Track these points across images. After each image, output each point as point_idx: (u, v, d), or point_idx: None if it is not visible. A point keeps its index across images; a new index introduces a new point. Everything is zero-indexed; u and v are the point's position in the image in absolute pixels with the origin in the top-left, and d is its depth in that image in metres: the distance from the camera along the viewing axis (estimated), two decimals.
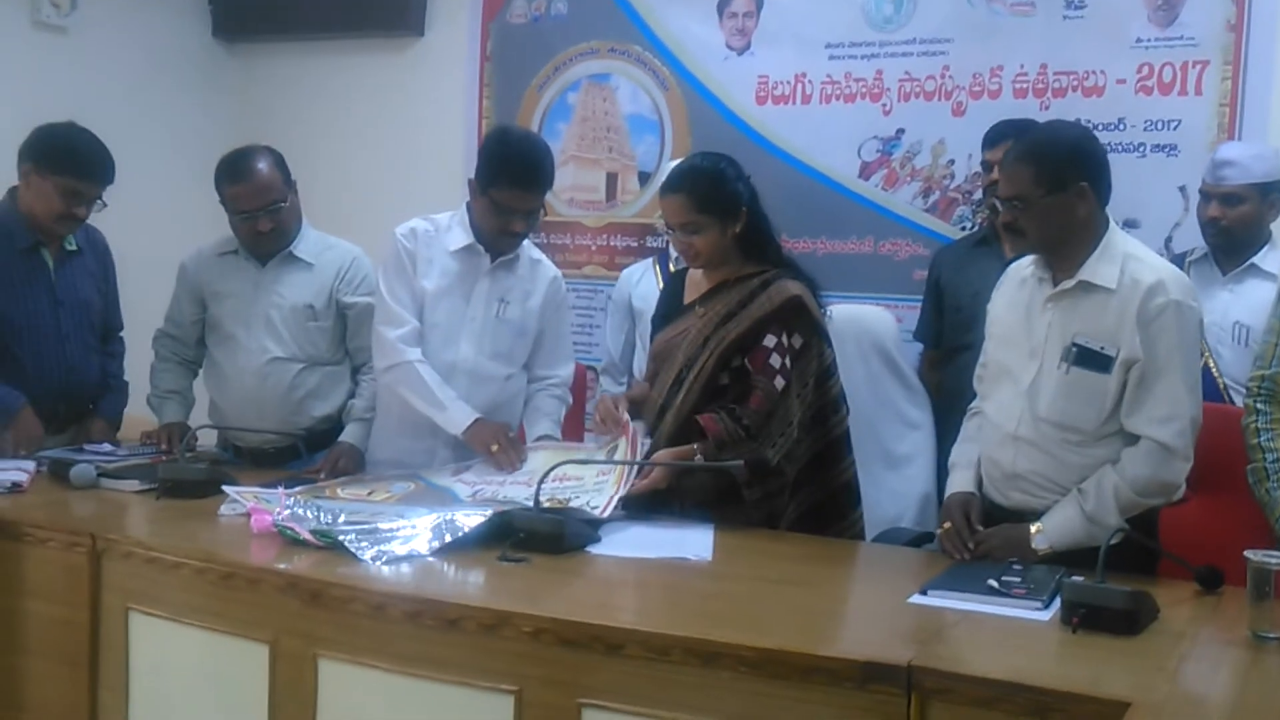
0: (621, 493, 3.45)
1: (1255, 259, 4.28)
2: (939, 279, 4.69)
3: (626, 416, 3.68)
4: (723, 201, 3.59)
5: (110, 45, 6.06)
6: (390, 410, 4.04)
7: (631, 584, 3.03)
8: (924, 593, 2.81)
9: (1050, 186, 3.10)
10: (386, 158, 6.29)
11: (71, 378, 4.20)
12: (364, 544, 3.03)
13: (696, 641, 2.49)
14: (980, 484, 3.34)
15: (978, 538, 3.16)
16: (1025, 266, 3.34)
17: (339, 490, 3.65)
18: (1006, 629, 2.62)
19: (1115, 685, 2.25)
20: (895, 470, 4.34)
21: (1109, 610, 2.56)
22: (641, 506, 3.51)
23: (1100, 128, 4.78)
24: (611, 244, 5.88)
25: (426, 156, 6.09)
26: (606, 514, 3.37)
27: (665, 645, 2.51)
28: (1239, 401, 3.70)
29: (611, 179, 5.89)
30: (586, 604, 2.83)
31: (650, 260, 5.09)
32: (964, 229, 5.07)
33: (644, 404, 3.75)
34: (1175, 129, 4.84)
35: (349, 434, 4.16)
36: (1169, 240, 4.79)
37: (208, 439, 4.30)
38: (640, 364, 4.65)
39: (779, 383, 3.49)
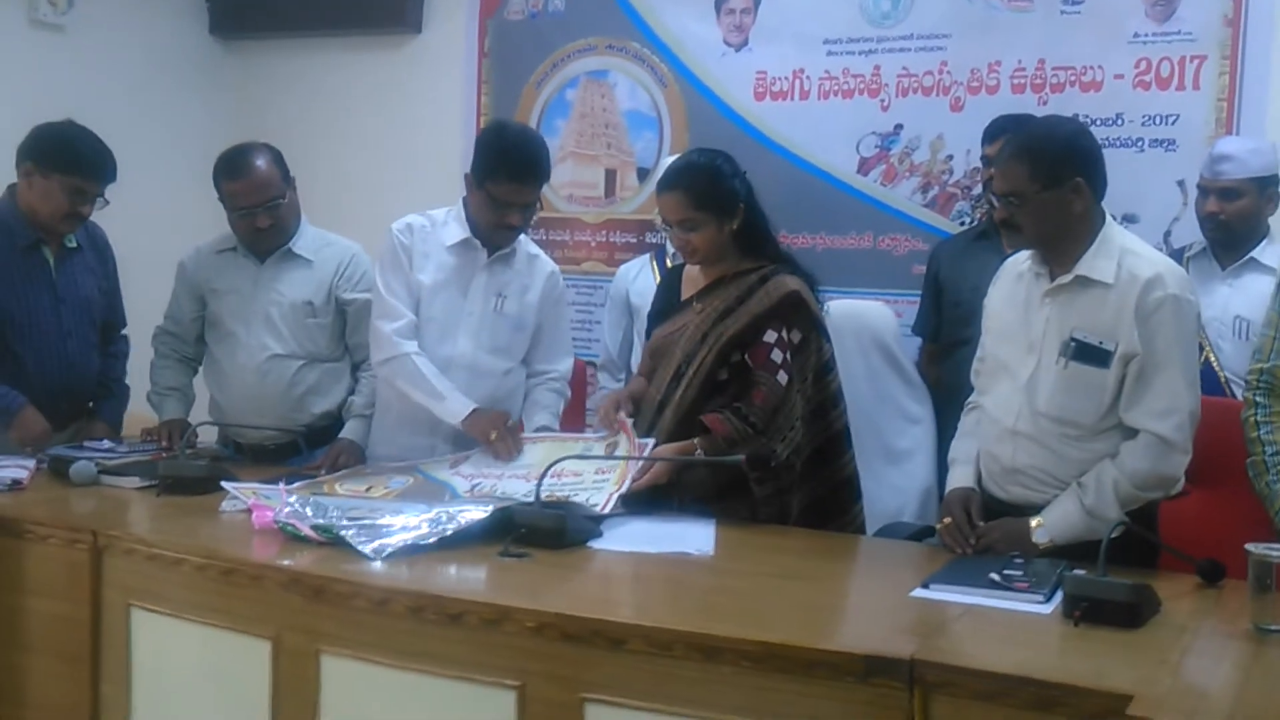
0: (622, 491, 3.45)
1: (1254, 253, 4.29)
2: (938, 273, 4.69)
3: (623, 416, 3.68)
4: (720, 198, 3.59)
5: (108, 43, 6.05)
6: (390, 406, 4.05)
7: (633, 579, 3.04)
8: (926, 586, 2.81)
9: (1045, 182, 3.10)
10: (385, 155, 6.28)
11: (72, 374, 4.19)
12: (364, 538, 3.03)
13: (699, 636, 2.50)
14: (980, 479, 3.35)
15: (978, 532, 3.17)
16: (1021, 261, 3.34)
17: (336, 486, 3.66)
18: (1008, 622, 2.62)
19: (1117, 678, 2.25)
20: (896, 465, 4.34)
21: (1111, 603, 2.57)
22: (641, 502, 3.51)
23: (1098, 123, 4.78)
24: (610, 240, 5.88)
25: (425, 153, 6.08)
26: (606, 510, 3.38)
27: (667, 640, 2.51)
28: (1240, 396, 3.70)
29: (610, 175, 5.89)
30: (588, 599, 2.83)
31: (647, 256, 5.09)
32: (963, 224, 5.08)
33: (641, 399, 3.76)
34: (1173, 124, 4.84)
35: (349, 430, 4.17)
36: (1168, 234, 4.79)
37: (208, 436, 4.31)
38: (637, 359, 4.65)
39: (782, 378, 3.50)
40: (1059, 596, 2.68)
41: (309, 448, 4.09)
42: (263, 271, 4.23)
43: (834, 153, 5.41)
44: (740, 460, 3.35)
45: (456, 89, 6.21)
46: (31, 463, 3.80)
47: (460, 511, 3.19)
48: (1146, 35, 4.87)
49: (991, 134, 4.54)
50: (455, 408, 3.84)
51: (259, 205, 4.10)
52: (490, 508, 3.22)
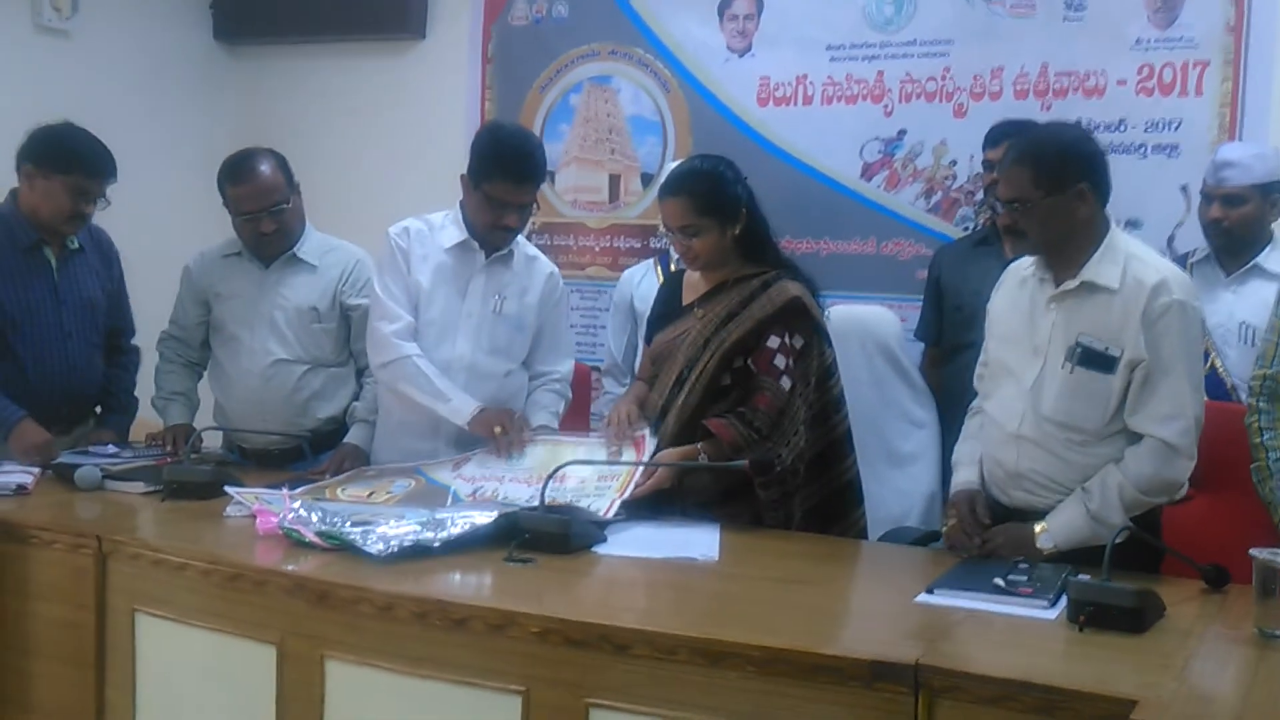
0: (625, 497, 3.46)
1: (1258, 259, 4.27)
2: (939, 278, 4.70)
3: (643, 433, 3.68)
4: (722, 203, 3.60)
5: (112, 49, 6.06)
6: (391, 411, 4.05)
7: (638, 584, 3.04)
8: (930, 591, 2.82)
9: (1049, 188, 3.11)
10: (389, 160, 6.29)
11: (74, 376, 4.19)
12: (369, 538, 3.04)
13: (703, 641, 2.50)
14: (983, 482, 3.35)
15: (983, 537, 3.17)
16: (1025, 266, 3.34)
17: (339, 492, 3.66)
18: (1013, 627, 2.62)
19: (1122, 683, 2.26)
20: (900, 469, 4.34)
21: (1115, 608, 2.57)
22: (645, 507, 3.51)
23: (1101, 128, 4.79)
24: (614, 245, 5.89)
25: (429, 158, 6.08)
26: (609, 515, 3.38)
27: (672, 645, 2.52)
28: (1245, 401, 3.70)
29: (614, 180, 5.90)
30: (593, 604, 2.85)
31: (651, 261, 5.09)
32: (966, 229, 5.08)
33: (644, 404, 3.76)
34: (1176, 129, 4.84)
35: (353, 435, 4.17)
36: (1171, 240, 4.79)
37: (213, 440, 4.30)
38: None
39: (785, 383, 3.51)
40: (1063, 601, 2.69)
41: (313, 452, 4.10)
42: (267, 276, 4.24)
43: (837, 158, 5.41)
44: (743, 465, 3.35)
45: (460, 94, 6.21)
46: (36, 468, 3.80)
47: (464, 516, 3.19)
48: (1149, 41, 4.88)
49: (992, 139, 4.54)
50: (461, 407, 3.83)
51: (263, 210, 4.10)
52: (494, 513, 3.22)
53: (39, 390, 4.08)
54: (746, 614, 2.70)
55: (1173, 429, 3.03)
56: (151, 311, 4.51)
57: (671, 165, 4.32)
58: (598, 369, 5.28)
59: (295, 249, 4.24)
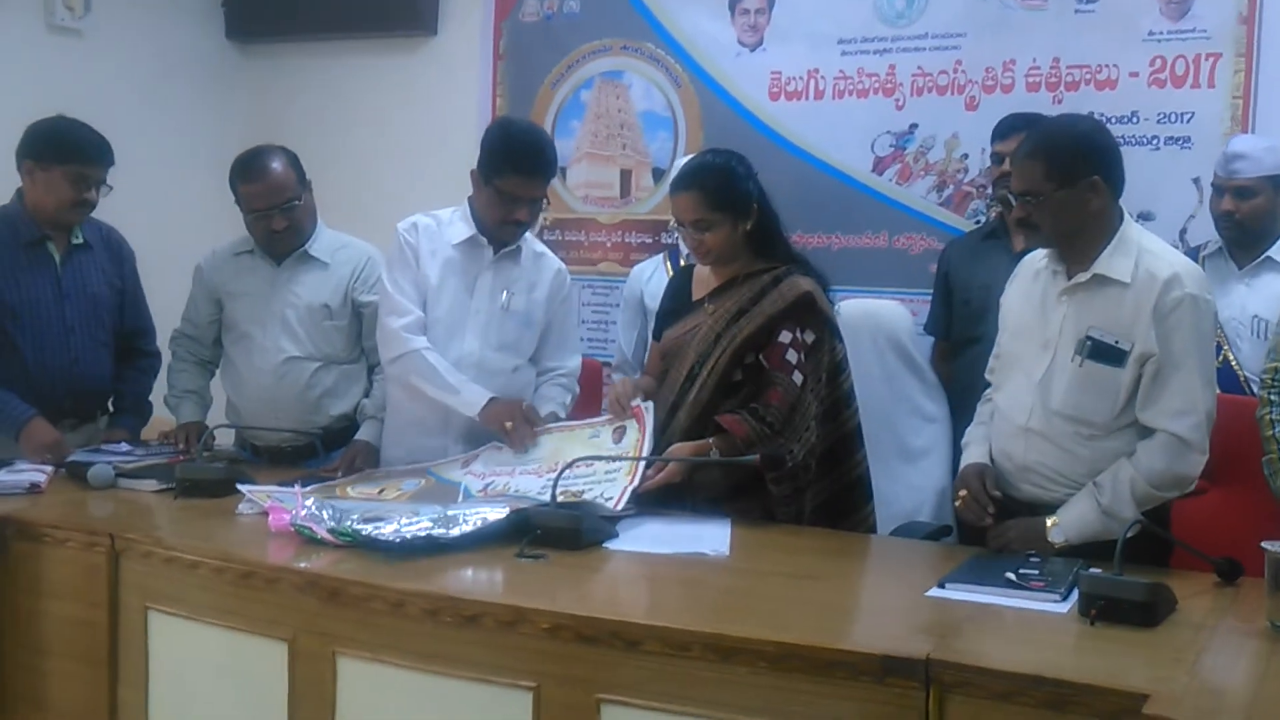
0: (634, 485, 3.46)
1: (1271, 252, 4.27)
2: (948, 272, 4.70)
3: (637, 401, 3.69)
4: (735, 198, 3.60)
5: (124, 47, 6.08)
6: (400, 408, 4.06)
7: (649, 580, 3.03)
8: (942, 586, 2.81)
9: (1062, 180, 3.10)
10: (401, 157, 6.29)
11: (76, 369, 4.19)
12: (382, 530, 3.06)
13: (715, 637, 2.50)
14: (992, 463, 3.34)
15: (994, 532, 3.17)
16: (1039, 259, 3.34)
17: (349, 490, 3.67)
18: (1024, 622, 2.62)
19: (1134, 677, 2.25)
20: (912, 464, 4.34)
21: (1127, 602, 2.56)
22: (654, 502, 3.51)
23: (1113, 121, 4.76)
24: (626, 240, 5.89)
25: (440, 155, 6.08)
26: (620, 505, 3.39)
27: (683, 641, 2.51)
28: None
29: (625, 176, 5.90)
30: (604, 600, 2.86)
31: (661, 256, 5.09)
32: (978, 223, 5.07)
33: (652, 396, 3.76)
34: (1188, 121, 4.83)
35: (365, 432, 4.18)
36: (1183, 232, 4.78)
37: (225, 438, 4.31)
38: None
39: (797, 378, 3.50)
40: (1075, 595, 2.68)
41: (325, 450, 4.10)
42: (279, 274, 4.25)
43: (849, 152, 5.41)
44: (755, 460, 3.35)
45: (472, 91, 6.21)
46: (49, 466, 3.81)
47: (476, 513, 3.19)
48: (1161, 33, 4.86)
49: (1000, 132, 4.54)
50: (471, 399, 3.83)
51: (275, 207, 4.11)
52: (506, 510, 3.22)
53: (40, 383, 4.09)
54: (758, 609, 2.70)
55: (1185, 424, 3.02)
56: (164, 310, 4.52)
57: (683, 160, 4.33)
58: (609, 365, 5.28)
59: (307, 246, 4.25)
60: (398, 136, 6.36)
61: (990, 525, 3.19)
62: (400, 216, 4.04)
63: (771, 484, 3.48)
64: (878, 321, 4.43)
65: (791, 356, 3.53)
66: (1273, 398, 3.39)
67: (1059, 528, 3.08)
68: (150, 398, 4.50)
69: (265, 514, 3.28)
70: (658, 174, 5.80)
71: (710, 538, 3.23)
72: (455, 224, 3.98)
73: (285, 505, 3.25)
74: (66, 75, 5.67)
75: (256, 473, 3.83)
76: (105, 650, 3.24)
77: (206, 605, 3.08)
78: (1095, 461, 3.12)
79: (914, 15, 5.28)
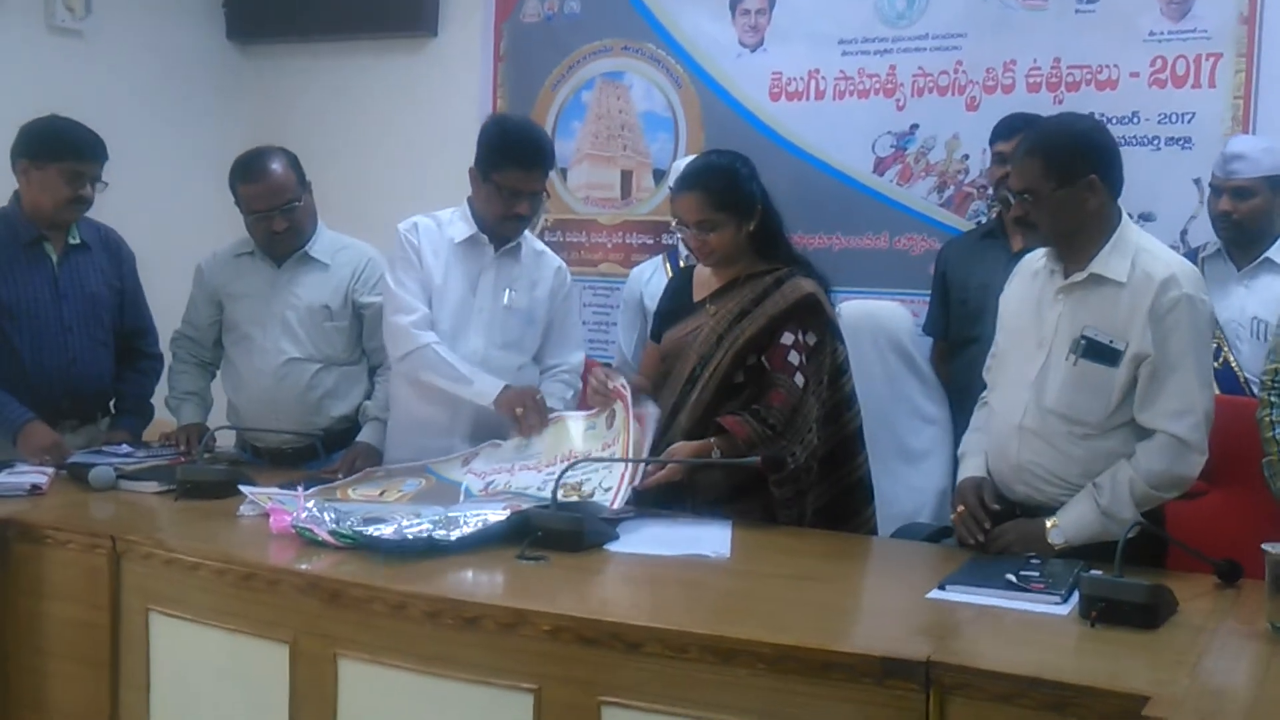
0: (634, 480, 3.45)
1: (1269, 253, 4.27)
2: (945, 272, 4.71)
3: (618, 383, 3.69)
4: (739, 199, 3.60)
5: (125, 49, 6.08)
6: (405, 409, 4.06)
7: (650, 581, 3.03)
8: (942, 588, 2.81)
9: (1060, 179, 3.10)
10: (401, 158, 6.29)
11: (74, 369, 4.19)
12: (382, 530, 3.06)
13: (715, 639, 2.50)
14: (988, 474, 3.34)
15: (994, 533, 3.16)
16: (1038, 259, 3.34)
17: (350, 491, 3.67)
18: (1025, 623, 2.62)
19: (1134, 679, 2.26)
20: (912, 465, 4.34)
21: (1128, 604, 2.56)
22: (655, 503, 3.52)
23: (1114, 121, 4.76)
24: (627, 241, 5.89)
25: (441, 156, 6.05)
26: (618, 504, 3.39)
27: (684, 642, 2.52)
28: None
29: (626, 176, 5.90)
30: (605, 602, 2.86)
31: (660, 258, 5.09)
32: (979, 223, 5.07)
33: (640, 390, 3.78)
34: (1189, 122, 4.83)
35: (366, 434, 4.18)
36: (1184, 233, 4.78)
37: (226, 440, 4.31)
38: None
39: (799, 380, 3.50)
40: (1075, 597, 2.68)
41: (326, 451, 4.10)
42: (280, 275, 4.25)
43: (849, 153, 5.41)
44: (756, 462, 3.35)
45: (473, 92, 6.22)
46: (51, 468, 3.82)
47: (476, 514, 3.20)
48: (1162, 33, 4.86)
49: (1000, 132, 4.55)
50: (485, 388, 3.84)
51: (275, 208, 4.11)
52: (506, 511, 3.22)
53: (37, 382, 4.10)
54: (758, 611, 2.70)
55: (1184, 424, 3.02)
56: (165, 311, 4.52)
57: (682, 161, 4.33)
58: (609, 366, 5.28)
59: (307, 248, 4.25)
60: (398, 137, 6.36)
61: (984, 540, 3.19)
62: (401, 218, 4.05)
63: (773, 486, 3.48)
64: (878, 322, 4.43)
65: (794, 358, 3.53)
66: (1273, 399, 3.39)
67: (1058, 529, 3.08)
68: (151, 399, 4.50)
69: (266, 516, 3.28)
70: (658, 175, 5.80)
71: (711, 539, 3.23)
72: (455, 223, 4.00)
73: (286, 507, 3.25)
74: (67, 76, 5.67)
75: (257, 474, 3.84)
76: (106, 652, 3.24)
77: (207, 607, 3.08)
78: (1089, 462, 3.12)
79: (915, 15, 5.28)
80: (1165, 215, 4.78)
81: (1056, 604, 2.70)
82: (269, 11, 6.61)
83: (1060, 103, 4.96)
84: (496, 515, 3.19)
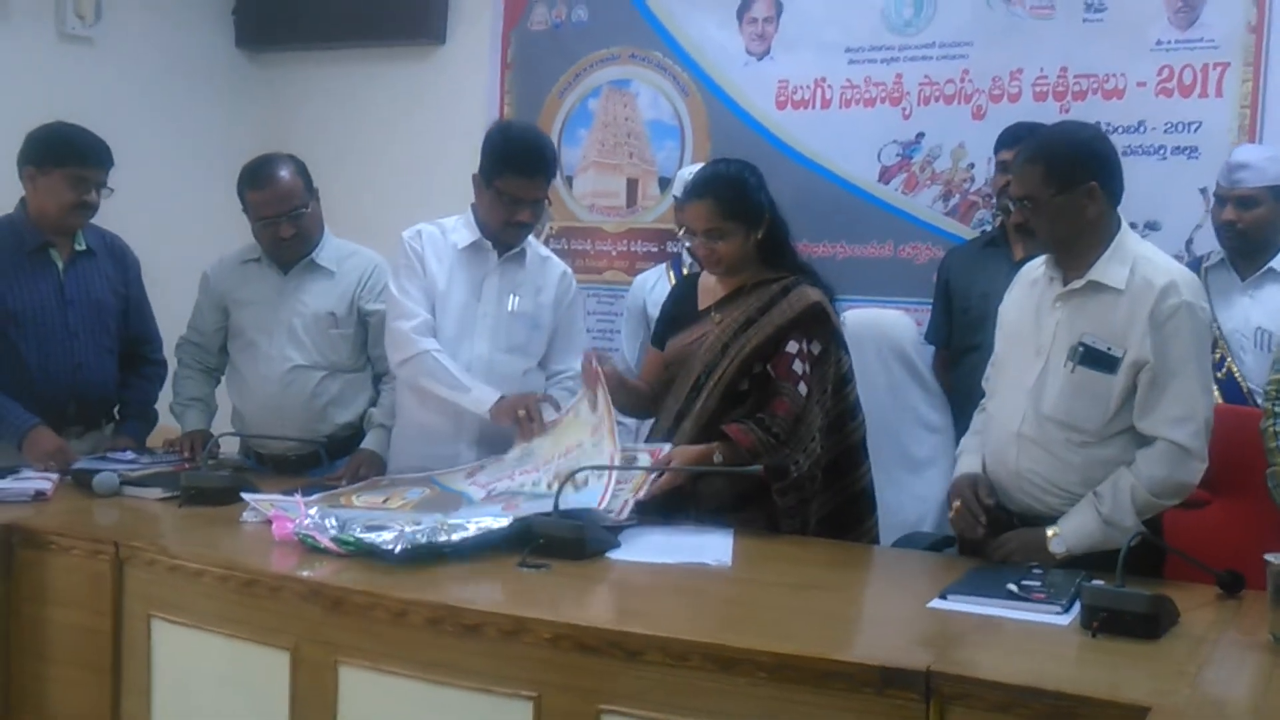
0: (640, 491, 3.45)
1: (1273, 263, 4.25)
2: (948, 280, 4.71)
3: (595, 364, 3.69)
4: (747, 208, 3.60)
5: (135, 56, 6.10)
6: (410, 417, 4.07)
7: (651, 590, 3.02)
8: (943, 597, 2.80)
9: (1059, 186, 3.11)
10: (408, 165, 6.30)
11: (80, 374, 4.20)
12: (383, 537, 3.05)
13: (715, 647, 2.50)
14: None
15: (995, 543, 3.16)
16: (1037, 267, 3.34)
17: (354, 499, 3.67)
18: (1026, 633, 2.61)
19: (1135, 690, 2.25)
20: (916, 474, 4.33)
21: (1129, 614, 2.56)
22: (658, 511, 3.52)
23: (1120, 130, 4.78)
24: (632, 249, 5.89)
25: (448, 164, 6.04)
26: (623, 516, 3.39)
27: (684, 651, 2.51)
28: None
29: (632, 184, 5.90)
30: (606, 610, 2.86)
31: (664, 266, 5.10)
32: (984, 232, 5.06)
33: (644, 404, 3.81)
34: (1196, 131, 4.82)
35: (370, 441, 4.19)
36: (1189, 243, 4.77)
37: (230, 446, 4.32)
38: None
39: (803, 389, 3.50)
40: (1077, 607, 2.68)
41: (330, 459, 4.10)
42: (286, 282, 4.26)
43: (855, 161, 5.41)
44: (758, 470, 3.35)
45: (480, 99, 6.23)
46: (55, 474, 3.82)
47: (476, 520, 3.20)
48: (1169, 42, 4.86)
49: (1004, 141, 4.54)
50: (482, 397, 3.84)
51: (282, 215, 4.12)
52: (508, 518, 3.22)
53: (42, 388, 4.11)
54: (758, 620, 2.70)
55: (1184, 431, 3.02)
56: (170, 317, 4.53)
57: (688, 170, 4.33)
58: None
59: (313, 255, 4.26)
60: (406, 145, 6.36)
61: (983, 536, 3.18)
62: (407, 225, 4.06)
63: (777, 495, 3.48)
64: (882, 331, 4.43)
65: (798, 367, 3.53)
66: (1277, 410, 3.39)
67: (1060, 538, 3.08)
68: (155, 405, 4.50)
69: (269, 522, 3.29)
70: (664, 183, 5.80)
71: (712, 548, 3.23)
72: (459, 230, 4.01)
73: (289, 514, 3.26)
74: (77, 83, 5.69)
75: (261, 481, 3.84)
76: (109, 658, 3.24)
77: (210, 613, 3.08)
78: (1087, 469, 3.12)
79: (921, 24, 5.28)
80: (1171, 224, 4.77)
81: (1058, 614, 2.69)
82: (278, 19, 6.62)
83: (1067, 111, 4.95)
84: (498, 521, 3.19)
